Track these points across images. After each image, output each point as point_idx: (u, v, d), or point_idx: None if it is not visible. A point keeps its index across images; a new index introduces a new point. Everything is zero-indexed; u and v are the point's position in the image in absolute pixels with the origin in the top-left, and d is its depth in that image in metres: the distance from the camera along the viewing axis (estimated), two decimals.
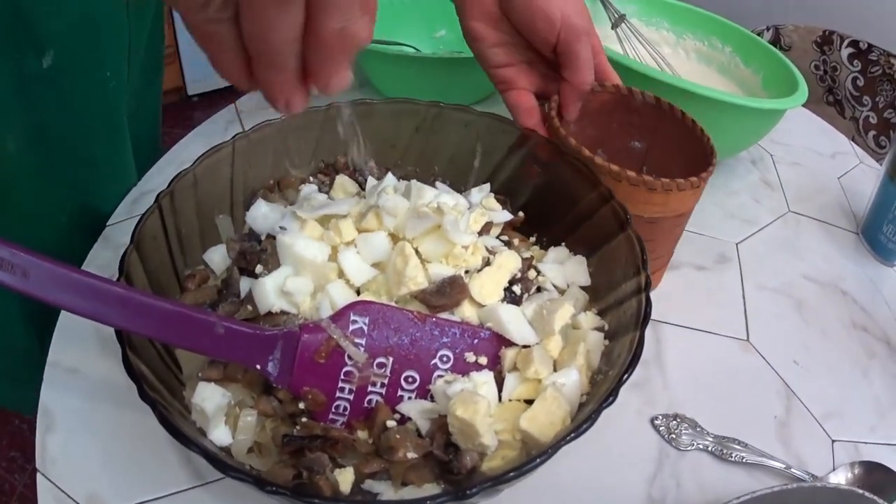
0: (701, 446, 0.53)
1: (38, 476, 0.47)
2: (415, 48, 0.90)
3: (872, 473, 0.54)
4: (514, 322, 0.45)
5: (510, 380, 0.44)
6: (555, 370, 0.45)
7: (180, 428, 0.37)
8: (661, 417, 0.55)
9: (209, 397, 0.42)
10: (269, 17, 0.30)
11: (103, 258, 0.62)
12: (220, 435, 0.42)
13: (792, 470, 0.52)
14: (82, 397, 0.51)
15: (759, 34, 1.26)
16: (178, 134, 0.85)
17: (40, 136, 0.61)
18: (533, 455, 0.37)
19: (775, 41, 1.28)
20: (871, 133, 1.23)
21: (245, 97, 0.86)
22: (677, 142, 0.62)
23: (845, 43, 1.22)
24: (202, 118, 0.83)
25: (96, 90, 0.64)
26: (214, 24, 0.31)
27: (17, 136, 0.59)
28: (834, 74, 1.26)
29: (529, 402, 0.43)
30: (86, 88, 0.62)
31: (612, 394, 0.39)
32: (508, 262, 0.48)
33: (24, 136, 0.59)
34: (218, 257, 0.50)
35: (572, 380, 0.43)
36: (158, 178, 0.71)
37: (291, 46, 0.31)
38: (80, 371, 0.53)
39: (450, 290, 0.45)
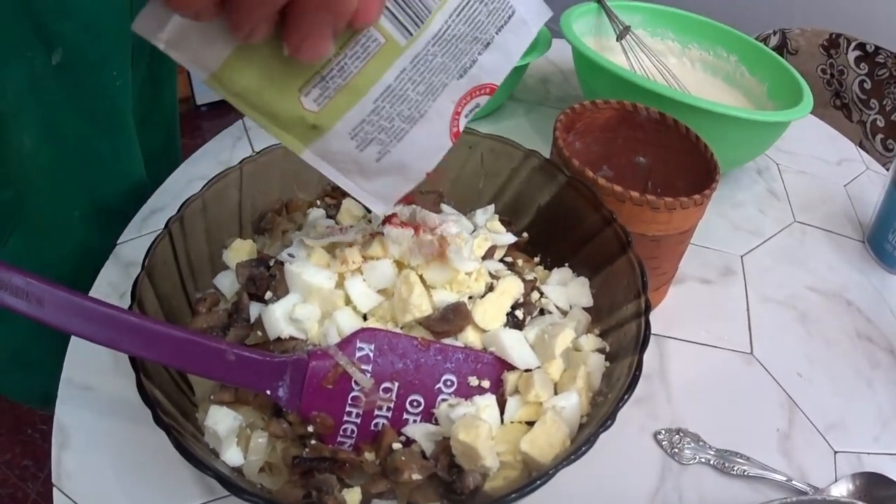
0: (703, 460, 0.54)
1: (55, 491, 0.48)
2: None
3: (874, 484, 0.55)
4: (516, 347, 0.46)
5: (512, 403, 0.45)
6: (556, 392, 0.46)
7: (194, 451, 0.38)
8: (663, 432, 0.56)
9: (221, 420, 0.43)
10: None
11: (114, 277, 0.63)
12: (232, 456, 0.43)
13: (793, 482, 0.52)
14: (96, 414, 0.53)
15: (765, 39, 1.26)
16: (187, 144, 0.87)
17: (52, 133, 0.63)
18: (533, 477, 0.38)
19: (782, 45, 1.27)
20: (879, 136, 1.22)
21: None
22: (681, 157, 0.63)
23: (852, 46, 1.22)
24: (210, 128, 0.85)
25: (103, 87, 0.66)
26: None
27: (32, 133, 0.62)
28: (841, 78, 1.25)
29: (531, 423, 0.44)
30: (93, 86, 0.65)
31: (611, 417, 0.40)
32: (511, 288, 0.49)
33: (37, 134, 0.62)
34: (228, 281, 0.51)
35: (572, 403, 0.44)
36: (166, 196, 0.73)
37: None
38: (94, 388, 0.54)
39: (453, 317, 0.46)
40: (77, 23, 0.59)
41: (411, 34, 0.32)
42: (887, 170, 0.90)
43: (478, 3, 0.32)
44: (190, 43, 0.32)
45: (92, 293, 0.61)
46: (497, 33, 0.33)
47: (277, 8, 0.29)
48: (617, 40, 0.88)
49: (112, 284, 0.63)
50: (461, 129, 0.36)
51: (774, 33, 1.26)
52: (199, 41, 0.32)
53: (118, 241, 0.67)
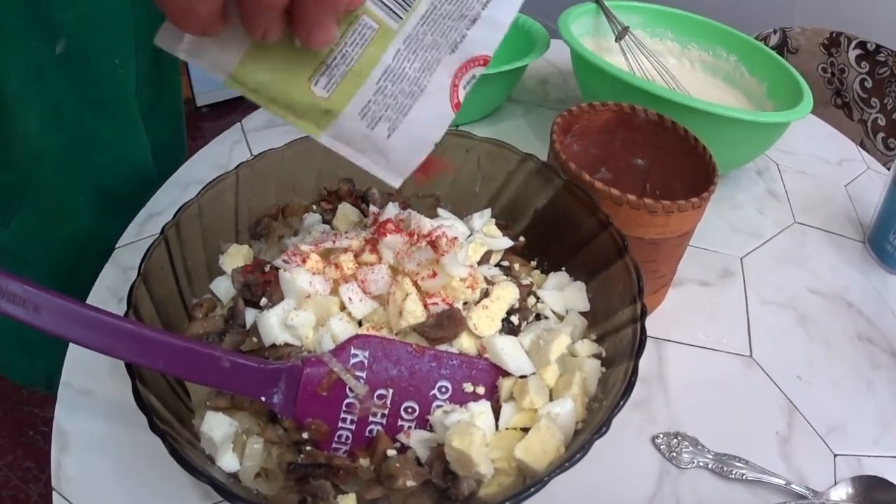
0: (702, 464, 0.54)
1: (55, 494, 0.48)
2: None
3: (873, 487, 0.54)
4: (511, 353, 0.46)
5: (506, 409, 0.45)
6: (552, 398, 0.46)
7: (189, 459, 0.38)
8: (661, 436, 0.55)
9: (217, 426, 0.44)
10: None
11: (112, 281, 0.64)
12: (228, 462, 0.43)
13: (792, 486, 0.52)
14: (96, 418, 0.53)
15: (765, 38, 1.25)
16: (188, 145, 0.87)
17: (56, 120, 0.65)
18: (528, 483, 0.38)
19: (782, 44, 1.27)
20: (880, 135, 1.22)
21: (252, 115, 0.87)
22: (680, 159, 0.63)
23: (853, 44, 1.21)
24: (211, 129, 0.85)
25: (106, 76, 0.67)
26: None
27: (37, 121, 0.64)
28: (842, 77, 1.25)
29: (526, 430, 0.44)
30: (96, 74, 0.66)
31: (605, 424, 0.40)
32: (506, 294, 0.49)
33: (42, 121, 0.64)
34: (224, 286, 0.51)
35: (567, 409, 0.44)
36: (164, 200, 0.73)
37: None
38: (93, 392, 0.54)
39: (448, 323, 0.46)
40: (79, 13, 0.61)
41: (401, 18, 0.37)
42: (888, 169, 0.89)
43: None
44: (207, 51, 0.37)
45: (90, 297, 0.62)
46: (483, 9, 0.37)
47: (283, 8, 0.32)
48: (616, 41, 0.87)
49: (110, 289, 0.63)
50: (461, 99, 0.40)
51: (774, 32, 1.26)
52: (214, 49, 0.36)
53: (116, 246, 0.67)
